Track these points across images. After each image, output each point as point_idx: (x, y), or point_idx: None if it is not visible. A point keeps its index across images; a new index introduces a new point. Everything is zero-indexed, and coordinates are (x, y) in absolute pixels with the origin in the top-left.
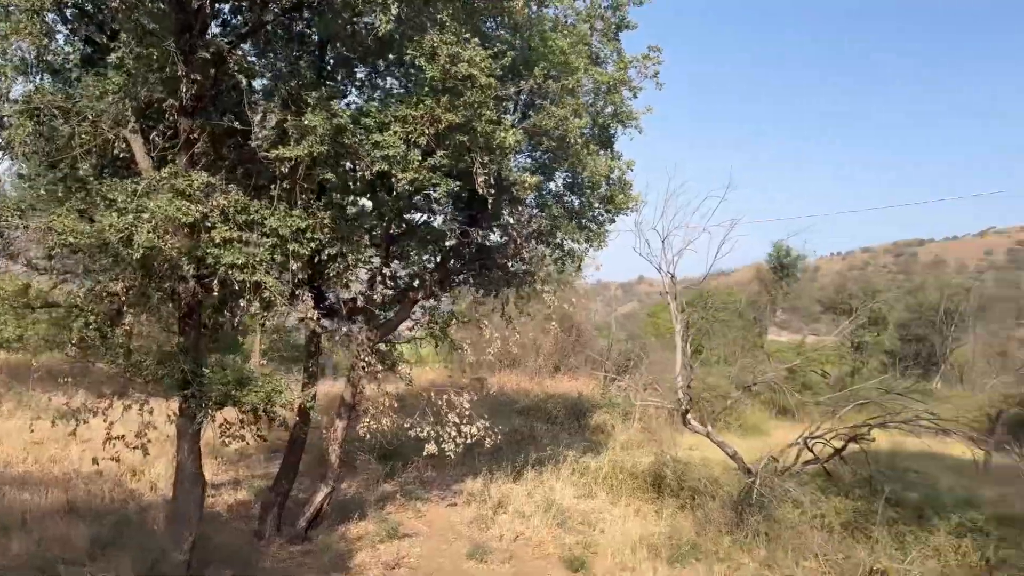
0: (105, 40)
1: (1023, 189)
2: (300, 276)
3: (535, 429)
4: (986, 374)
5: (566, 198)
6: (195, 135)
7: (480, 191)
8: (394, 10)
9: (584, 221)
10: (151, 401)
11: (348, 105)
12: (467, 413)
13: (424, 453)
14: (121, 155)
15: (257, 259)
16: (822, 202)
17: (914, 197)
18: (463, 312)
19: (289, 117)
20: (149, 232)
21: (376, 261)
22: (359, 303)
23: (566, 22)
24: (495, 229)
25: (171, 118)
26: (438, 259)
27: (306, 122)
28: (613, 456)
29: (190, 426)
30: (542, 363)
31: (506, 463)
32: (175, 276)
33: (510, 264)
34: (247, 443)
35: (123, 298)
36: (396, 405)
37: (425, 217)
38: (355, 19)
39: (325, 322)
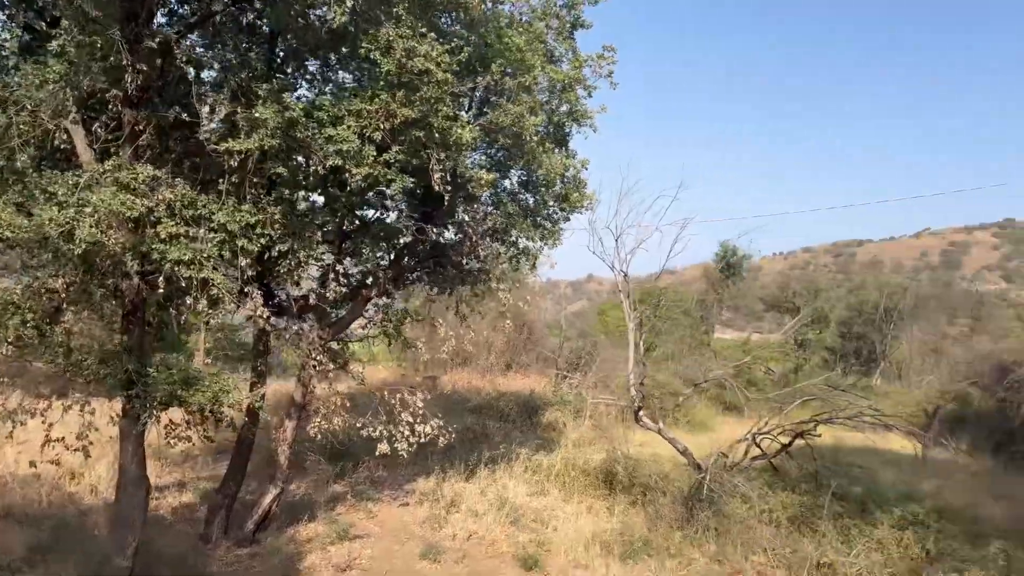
0: (45, 27)
1: (964, 191)
2: (249, 273)
3: (488, 427)
4: (922, 371)
5: (521, 196)
6: (140, 127)
7: (436, 188)
8: (349, 2)
9: (539, 219)
10: (93, 401)
11: (299, 99)
12: (421, 412)
13: (376, 453)
14: (62, 147)
15: (205, 255)
16: (764, 202)
17: (854, 198)
18: (418, 310)
19: (239, 109)
20: (91, 227)
21: (328, 258)
22: (311, 301)
23: (521, 19)
24: (450, 226)
25: (115, 109)
26: (392, 256)
27: (257, 115)
28: (565, 453)
29: (134, 427)
30: (494, 361)
31: (459, 462)
32: (118, 272)
33: (465, 262)
34: (193, 444)
35: (63, 295)
36: (348, 404)
37: (378, 214)
38: (308, 10)
39: (275, 320)
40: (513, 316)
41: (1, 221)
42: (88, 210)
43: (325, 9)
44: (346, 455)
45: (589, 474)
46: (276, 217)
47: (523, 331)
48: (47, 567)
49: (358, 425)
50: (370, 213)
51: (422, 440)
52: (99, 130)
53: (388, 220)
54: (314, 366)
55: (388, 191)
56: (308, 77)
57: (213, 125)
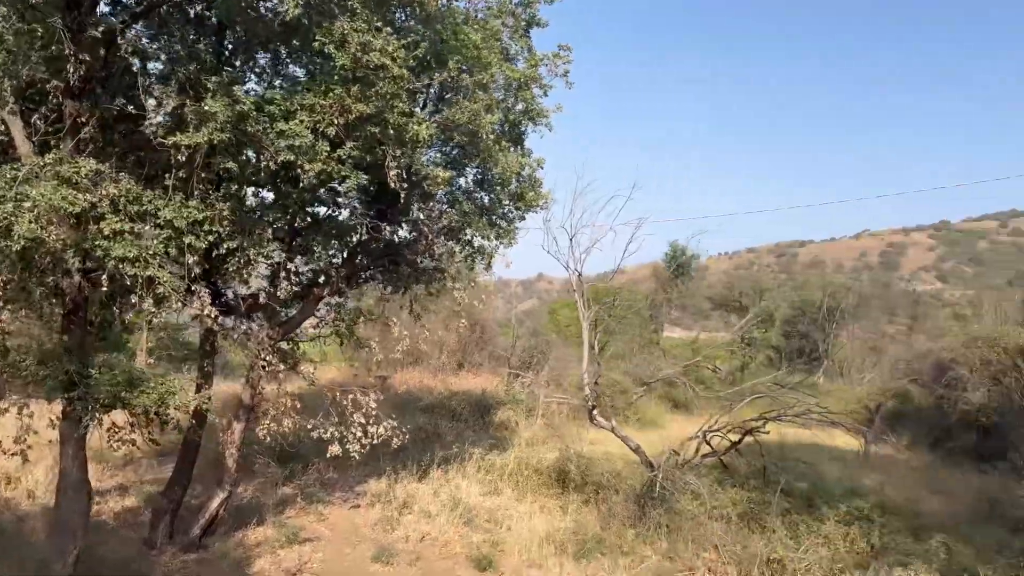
0: None
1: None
2: (196, 271)
3: (440, 427)
4: (863, 369)
5: (476, 194)
6: (83, 119)
7: (392, 185)
8: None
9: (494, 218)
10: (31, 404)
11: (248, 93)
12: (374, 413)
13: (328, 455)
14: None
15: (150, 252)
16: (710, 203)
17: (796, 199)
18: (371, 309)
19: (188, 102)
20: (30, 222)
21: (278, 256)
22: (260, 299)
23: (477, 16)
24: (404, 224)
25: (56, 100)
26: (345, 255)
27: (206, 108)
28: (518, 453)
29: (75, 430)
30: (445, 360)
31: (411, 462)
32: (59, 270)
33: (419, 260)
34: (137, 447)
35: (0, 293)
36: (298, 406)
37: (331, 211)
38: (259, 2)
39: (223, 320)
40: (466, 315)
41: None
42: (27, 205)
43: (277, 1)
44: (296, 457)
45: (542, 473)
46: (225, 214)
47: (475, 330)
48: None
49: (309, 427)
50: (322, 210)
51: (375, 442)
52: (39, 122)
53: (341, 218)
54: (263, 366)
55: (341, 188)
56: (257, 71)
57: (159, 118)
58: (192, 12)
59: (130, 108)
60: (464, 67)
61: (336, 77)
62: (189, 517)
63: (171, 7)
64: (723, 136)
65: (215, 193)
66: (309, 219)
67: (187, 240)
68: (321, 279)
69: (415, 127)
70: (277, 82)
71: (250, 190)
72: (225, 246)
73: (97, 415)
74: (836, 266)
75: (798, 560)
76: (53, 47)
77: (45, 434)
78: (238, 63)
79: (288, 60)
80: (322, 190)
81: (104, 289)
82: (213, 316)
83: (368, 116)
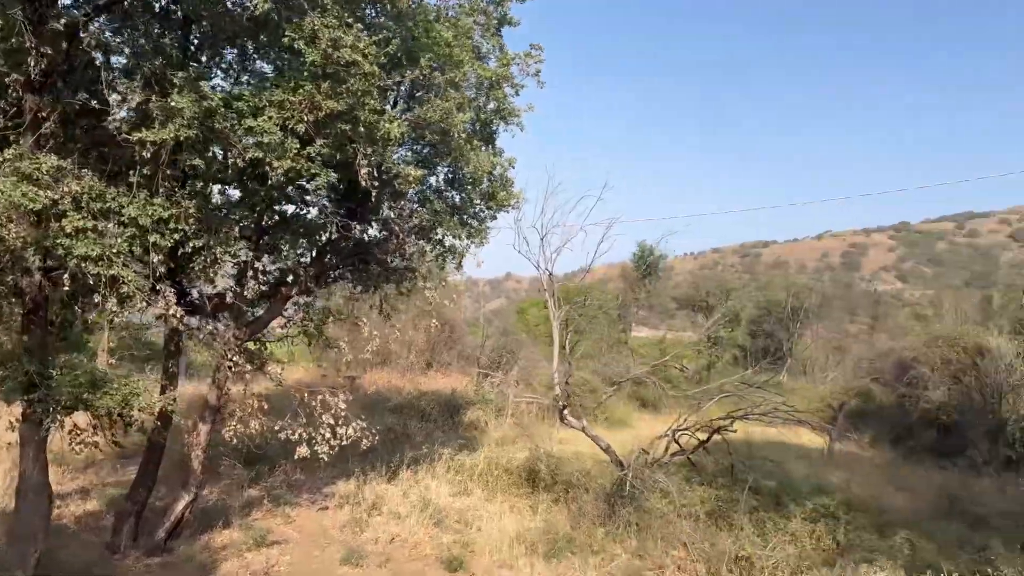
0: None
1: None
2: (161, 270)
3: (409, 427)
4: (826, 368)
5: (447, 193)
6: (43, 114)
7: (363, 183)
8: None
9: (466, 217)
10: None
11: (214, 89)
12: (343, 414)
13: (296, 456)
14: None
15: (114, 251)
16: (676, 204)
17: (760, 200)
18: (341, 309)
19: (154, 98)
20: None
21: (245, 254)
22: (227, 299)
23: (448, 14)
24: (374, 223)
25: (16, 94)
26: (314, 253)
27: (173, 103)
28: (488, 453)
29: (36, 432)
30: (414, 360)
31: (380, 463)
32: (19, 268)
33: (390, 260)
34: (99, 450)
35: None
36: (265, 407)
37: (299, 209)
38: None
39: (188, 319)
40: (437, 314)
41: None
42: None
43: None
44: (262, 459)
45: (512, 473)
46: (190, 211)
47: (445, 330)
48: None
49: (276, 428)
50: (290, 209)
51: (344, 443)
52: None
53: (309, 216)
54: (229, 367)
55: (310, 186)
56: (224, 66)
57: (123, 114)
58: (157, 6)
59: (93, 103)
60: (436, 65)
61: (306, 73)
62: (153, 520)
63: (135, 0)
64: (685, 136)
65: (181, 190)
66: (277, 217)
67: (152, 238)
68: (289, 278)
69: (387, 125)
70: (244, 78)
71: (216, 188)
72: (191, 244)
73: (59, 417)
74: (799, 266)
75: (766, 558)
76: (13, 40)
77: (4, 436)
78: (204, 58)
79: (255, 56)
80: (290, 188)
81: (66, 288)
82: (178, 316)
83: (339, 113)
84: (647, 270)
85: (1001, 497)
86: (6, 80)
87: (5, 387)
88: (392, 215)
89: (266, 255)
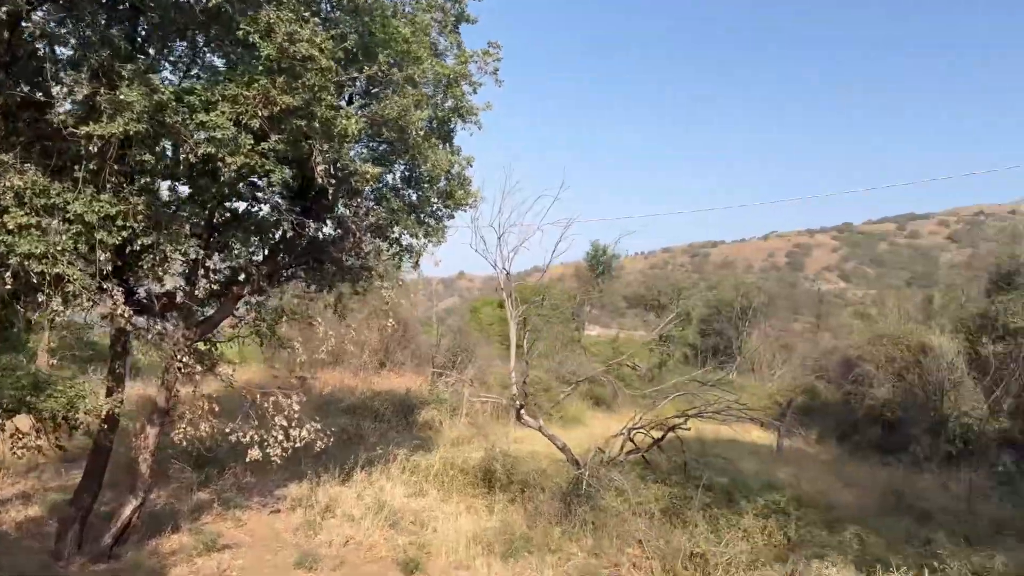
0: None
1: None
2: (108, 268)
3: (363, 428)
4: (773, 365)
5: (404, 191)
6: None
7: (320, 180)
8: None
9: (423, 216)
10: None
11: (163, 82)
12: (296, 416)
13: (247, 459)
14: None
15: (59, 248)
16: (626, 204)
17: (709, 200)
18: (294, 309)
19: (102, 90)
20: None
21: (195, 252)
22: (177, 298)
23: (405, 10)
24: (329, 221)
25: None
26: (266, 251)
27: (122, 97)
28: (444, 453)
29: None
30: (367, 359)
31: (333, 465)
32: None
33: (345, 258)
34: (42, 453)
35: None
36: (216, 408)
37: (252, 206)
38: None
39: (136, 319)
40: (392, 313)
41: None
42: None
43: None
44: (212, 461)
45: (468, 473)
46: (139, 208)
47: (399, 329)
48: None
49: (227, 430)
50: (242, 206)
51: (297, 445)
52: None
53: (262, 213)
54: (179, 368)
55: (261, 183)
56: (173, 59)
57: (68, 106)
58: None
59: (37, 95)
60: (393, 61)
61: (260, 68)
62: (99, 525)
63: None
64: (638, 135)
65: (129, 186)
66: (228, 214)
67: (98, 236)
68: (240, 277)
69: (343, 121)
70: (195, 72)
71: (166, 184)
72: (139, 242)
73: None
74: (746, 266)
75: (720, 554)
76: None
77: None
78: (152, 51)
79: (206, 49)
80: (242, 184)
81: (7, 287)
82: (127, 315)
83: (294, 108)
84: (601, 269)
85: (943, 493)
86: None
87: None
88: (348, 213)
89: (217, 253)
